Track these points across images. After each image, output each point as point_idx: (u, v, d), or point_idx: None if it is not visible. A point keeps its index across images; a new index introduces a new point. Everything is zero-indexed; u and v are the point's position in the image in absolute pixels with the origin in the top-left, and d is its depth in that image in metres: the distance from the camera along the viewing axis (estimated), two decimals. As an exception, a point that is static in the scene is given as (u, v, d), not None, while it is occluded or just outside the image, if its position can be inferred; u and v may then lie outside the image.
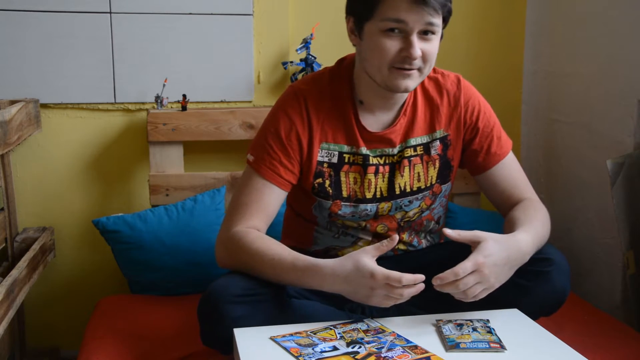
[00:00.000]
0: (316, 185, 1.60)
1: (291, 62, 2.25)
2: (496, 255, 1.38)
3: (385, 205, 1.62)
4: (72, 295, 2.27)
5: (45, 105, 2.17)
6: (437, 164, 1.64)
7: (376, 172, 1.60)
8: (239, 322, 1.38)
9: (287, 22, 2.27)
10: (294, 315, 1.45)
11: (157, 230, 2.02)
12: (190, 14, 2.20)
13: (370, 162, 1.60)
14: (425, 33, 1.46)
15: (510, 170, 1.67)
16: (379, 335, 1.36)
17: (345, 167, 1.60)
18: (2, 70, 2.11)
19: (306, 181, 1.60)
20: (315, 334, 1.36)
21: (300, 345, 1.31)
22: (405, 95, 1.60)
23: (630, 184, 1.85)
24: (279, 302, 1.46)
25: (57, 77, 2.15)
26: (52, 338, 2.27)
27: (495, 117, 1.69)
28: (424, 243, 1.71)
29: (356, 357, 1.26)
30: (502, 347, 1.32)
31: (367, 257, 1.36)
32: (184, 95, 2.17)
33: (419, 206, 1.64)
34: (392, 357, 1.26)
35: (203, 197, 2.11)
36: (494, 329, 1.38)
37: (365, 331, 1.38)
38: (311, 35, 2.21)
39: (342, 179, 1.60)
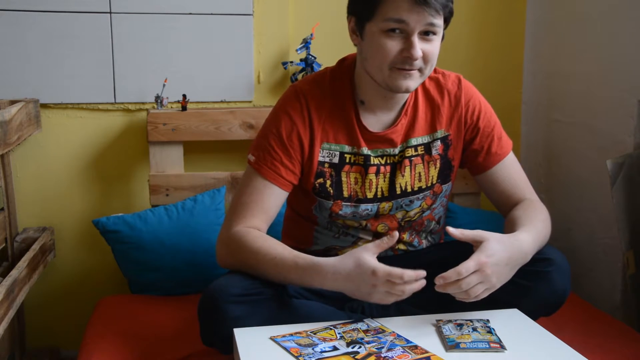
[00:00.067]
0: (317, 185, 1.60)
1: (291, 62, 2.25)
2: (498, 255, 1.38)
3: (386, 205, 1.62)
4: (72, 295, 2.27)
5: (45, 105, 2.17)
6: (438, 164, 1.64)
7: (377, 172, 1.60)
8: (239, 322, 1.38)
9: (287, 22, 2.27)
10: (294, 315, 1.45)
11: (157, 230, 2.02)
12: (190, 13, 2.20)
13: (372, 162, 1.60)
14: (426, 34, 1.46)
15: (510, 171, 1.67)
16: (379, 335, 1.36)
17: (346, 167, 1.60)
18: (2, 70, 2.11)
19: (307, 181, 1.60)
20: (315, 334, 1.36)
21: (300, 345, 1.31)
22: (406, 95, 1.60)
23: (630, 184, 1.85)
24: (279, 302, 1.46)
25: (57, 77, 2.15)
26: (52, 338, 2.27)
27: (495, 117, 1.69)
28: (425, 243, 1.72)
29: (356, 357, 1.27)
30: (502, 347, 1.32)
31: (368, 254, 1.36)
32: (184, 95, 2.17)
33: (420, 206, 1.64)
34: (392, 357, 1.27)
35: (203, 197, 2.11)
36: (494, 329, 1.39)
37: (365, 331, 1.38)
38: (311, 35, 2.21)
39: (343, 179, 1.60)
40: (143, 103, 2.22)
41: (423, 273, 1.34)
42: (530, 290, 1.48)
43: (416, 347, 1.31)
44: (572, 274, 1.56)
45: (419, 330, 1.39)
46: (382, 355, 1.27)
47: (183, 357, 1.60)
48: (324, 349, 1.29)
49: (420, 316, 1.46)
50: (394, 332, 1.38)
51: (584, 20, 2.14)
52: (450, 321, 1.42)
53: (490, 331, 1.38)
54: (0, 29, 2.09)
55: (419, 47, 1.46)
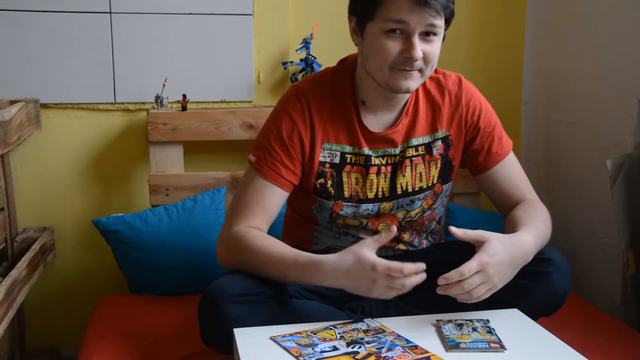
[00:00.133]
0: (318, 185, 1.60)
1: (291, 62, 2.25)
2: (500, 255, 1.38)
3: (386, 205, 1.62)
4: (72, 295, 2.27)
5: (45, 105, 2.17)
6: (439, 164, 1.64)
7: (378, 172, 1.60)
8: (239, 322, 1.38)
9: (287, 22, 2.27)
10: (294, 315, 1.45)
11: (157, 230, 2.02)
12: (190, 13, 2.20)
13: (372, 163, 1.60)
14: (427, 34, 1.47)
15: (510, 171, 1.67)
16: (379, 335, 1.36)
17: (347, 168, 1.60)
18: (2, 70, 2.11)
19: (308, 181, 1.60)
20: (315, 334, 1.36)
21: (300, 345, 1.31)
22: (407, 95, 1.60)
23: (630, 184, 1.85)
24: (279, 301, 1.46)
25: (57, 77, 2.15)
26: (52, 338, 2.27)
27: (496, 118, 1.69)
28: (425, 243, 1.72)
29: (356, 357, 1.27)
30: (502, 347, 1.32)
31: (367, 249, 1.36)
32: (184, 95, 2.17)
33: (421, 206, 1.64)
34: (392, 357, 1.27)
35: (203, 197, 2.11)
36: (494, 329, 1.39)
37: (365, 331, 1.38)
38: (311, 35, 2.21)
39: (344, 179, 1.60)
40: (143, 103, 2.22)
41: (423, 266, 1.34)
42: (531, 291, 1.48)
43: (416, 347, 1.31)
44: (572, 274, 1.56)
45: (419, 330, 1.39)
46: (382, 355, 1.27)
47: (183, 357, 1.60)
48: (324, 349, 1.29)
49: (420, 316, 1.46)
50: (394, 332, 1.38)
51: (584, 20, 2.14)
52: (450, 321, 1.42)
53: (490, 331, 1.38)
54: (0, 29, 2.09)
55: (420, 47, 1.46)
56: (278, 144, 1.57)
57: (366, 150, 1.59)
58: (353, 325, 1.41)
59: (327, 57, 2.13)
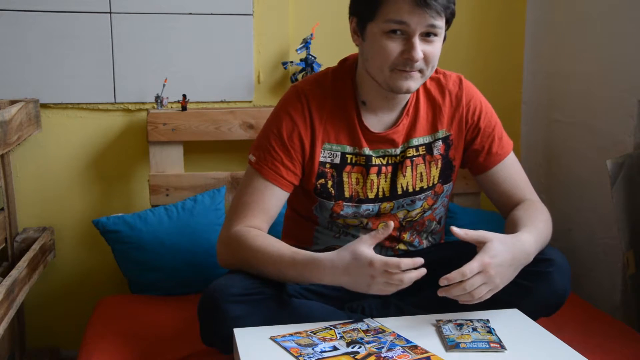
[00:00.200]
0: (318, 185, 1.60)
1: (291, 62, 2.25)
2: (502, 255, 1.38)
3: (387, 205, 1.62)
4: (72, 295, 2.27)
5: (45, 105, 2.17)
6: (440, 164, 1.64)
7: (379, 173, 1.60)
8: (239, 322, 1.38)
9: (287, 22, 2.27)
10: (294, 315, 1.45)
11: (157, 230, 2.02)
12: (190, 14, 2.20)
13: (373, 163, 1.60)
14: (427, 35, 1.46)
15: (511, 171, 1.67)
16: (379, 335, 1.36)
17: (348, 168, 1.60)
18: (2, 70, 2.11)
19: (308, 182, 1.60)
20: (315, 334, 1.36)
21: (300, 345, 1.31)
22: (408, 95, 1.60)
23: (630, 184, 1.85)
24: (279, 301, 1.46)
25: (57, 77, 2.15)
26: (52, 338, 2.27)
27: (496, 118, 1.69)
28: (425, 243, 1.72)
29: (356, 357, 1.27)
30: (502, 347, 1.32)
31: (364, 246, 1.36)
32: (184, 95, 2.17)
33: (422, 206, 1.65)
34: (392, 357, 1.27)
35: (203, 197, 2.11)
36: (494, 329, 1.39)
37: (365, 331, 1.38)
38: (311, 35, 2.21)
39: (345, 179, 1.60)
40: (143, 103, 2.22)
41: (420, 260, 1.33)
42: (531, 291, 1.48)
43: (416, 347, 1.31)
44: (572, 274, 1.56)
45: (419, 330, 1.39)
46: (382, 355, 1.27)
47: (183, 357, 1.60)
48: (324, 349, 1.29)
49: (420, 316, 1.46)
50: (394, 332, 1.38)
51: (584, 20, 2.14)
52: (450, 321, 1.42)
53: (490, 331, 1.38)
54: (0, 29, 2.09)
55: (420, 48, 1.45)
56: (278, 144, 1.57)
57: (367, 151, 1.59)
58: (353, 325, 1.41)
59: (327, 57, 2.13)
